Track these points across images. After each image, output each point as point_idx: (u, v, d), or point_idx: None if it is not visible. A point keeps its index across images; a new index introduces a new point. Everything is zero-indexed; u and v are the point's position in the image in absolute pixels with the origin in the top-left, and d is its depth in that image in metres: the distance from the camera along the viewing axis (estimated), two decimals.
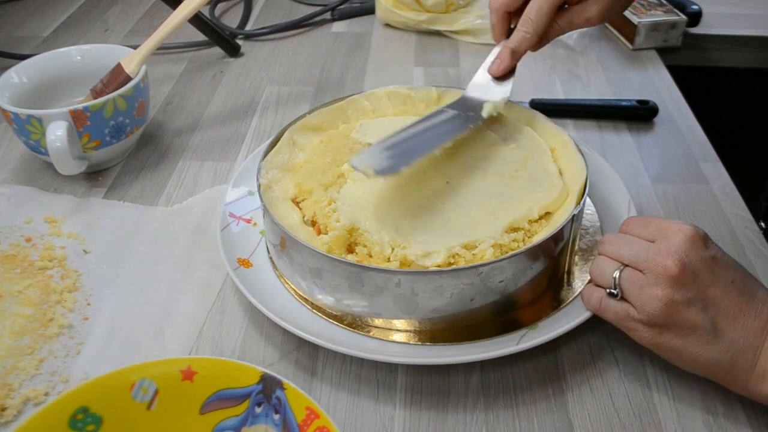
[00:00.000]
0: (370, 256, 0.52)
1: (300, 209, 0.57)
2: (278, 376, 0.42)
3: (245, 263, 0.57)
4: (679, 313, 0.45)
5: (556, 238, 0.51)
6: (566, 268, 0.57)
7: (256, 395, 0.43)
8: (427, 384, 0.51)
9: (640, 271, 0.47)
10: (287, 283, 0.56)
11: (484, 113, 0.61)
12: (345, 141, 0.63)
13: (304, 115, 0.64)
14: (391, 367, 0.52)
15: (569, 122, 0.79)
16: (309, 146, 0.63)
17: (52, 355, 0.53)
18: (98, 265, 0.61)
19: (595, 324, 0.53)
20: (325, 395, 0.50)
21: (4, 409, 0.48)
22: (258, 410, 0.43)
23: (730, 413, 0.48)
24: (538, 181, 0.58)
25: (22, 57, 0.78)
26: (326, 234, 0.53)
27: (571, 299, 0.54)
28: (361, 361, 0.52)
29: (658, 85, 0.87)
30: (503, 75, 0.63)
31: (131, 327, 0.55)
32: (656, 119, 0.80)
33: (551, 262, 0.53)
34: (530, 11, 0.59)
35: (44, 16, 1.09)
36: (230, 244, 0.59)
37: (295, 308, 0.54)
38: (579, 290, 0.54)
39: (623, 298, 0.48)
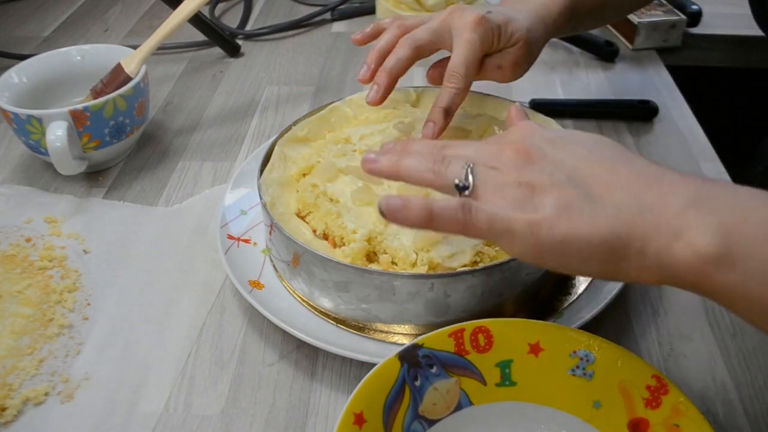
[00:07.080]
0: (394, 264, 0.51)
1: (307, 223, 0.55)
2: (409, 343, 0.43)
3: (257, 285, 0.56)
4: (545, 191, 0.37)
5: None
6: None
7: (408, 375, 0.43)
8: None
9: (491, 168, 0.39)
10: (294, 293, 0.55)
11: None
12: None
13: (289, 127, 0.63)
14: None
15: (569, 122, 0.79)
16: (300, 159, 0.61)
17: (52, 355, 0.53)
18: (98, 265, 0.61)
19: (595, 326, 0.53)
20: (324, 397, 0.50)
21: (4, 409, 0.48)
22: (418, 383, 0.43)
23: (730, 413, 0.48)
24: None
25: (22, 57, 0.78)
26: (342, 246, 0.52)
27: (585, 285, 0.55)
28: (361, 362, 0.52)
29: (658, 85, 0.87)
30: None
31: (131, 327, 0.55)
32: (656, 119, 0.80)
33: None
34: (457, 66, 0.54)
35: (44, 16, 1.09)
36: (237, 267, 0.57)
37: (295, 309, 0.54)
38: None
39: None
